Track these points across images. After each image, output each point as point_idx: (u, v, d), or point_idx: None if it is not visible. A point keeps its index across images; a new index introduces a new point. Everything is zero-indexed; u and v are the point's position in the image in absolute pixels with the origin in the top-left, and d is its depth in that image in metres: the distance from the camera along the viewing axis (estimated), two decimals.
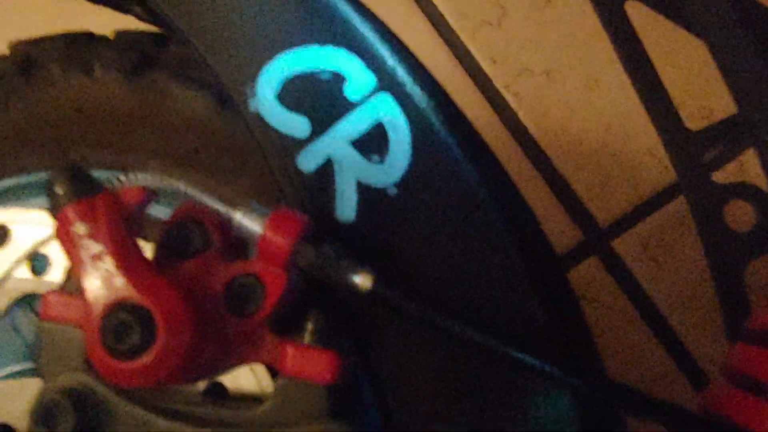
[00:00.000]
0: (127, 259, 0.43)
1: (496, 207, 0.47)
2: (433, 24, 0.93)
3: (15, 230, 0.56)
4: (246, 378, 0.52)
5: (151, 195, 0.46)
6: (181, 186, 0.44)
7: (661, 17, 0.71)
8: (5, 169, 0.58)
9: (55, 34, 0.59)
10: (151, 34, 0.58)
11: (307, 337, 0.45)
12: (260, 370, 0.52)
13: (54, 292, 0.46)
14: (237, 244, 0.47)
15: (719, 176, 0.64)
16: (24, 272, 0.56)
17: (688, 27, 0.67)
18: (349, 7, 0.48)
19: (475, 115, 0.50)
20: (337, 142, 0.47)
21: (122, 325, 0.42)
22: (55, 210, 0.44)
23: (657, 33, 0.71)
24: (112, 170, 0.55)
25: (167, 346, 0.42)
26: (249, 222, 0.44)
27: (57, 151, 0.57)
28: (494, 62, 0.93)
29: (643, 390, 0.44)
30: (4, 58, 0.59)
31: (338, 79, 0.47)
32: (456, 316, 0.44)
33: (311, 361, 0.45)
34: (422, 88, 0.47)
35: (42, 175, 0.57)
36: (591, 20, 0.88)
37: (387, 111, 0.47)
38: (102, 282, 0.43)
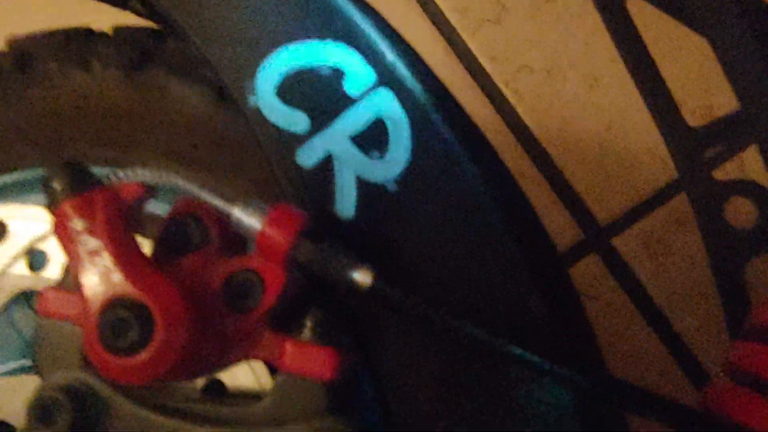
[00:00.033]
0: (125, 255, 0.43)
1: (496, 203, 0.47)
2: (433, 21, 0.93)
3: (13, 226, 0.56)
4: (245, 375, 0.52)
5: (150, 191, 0.45)
6: (180, 182, 0.44)
7: (662, 14, 0.70)
8: (3, 166, 0.58)
9: (53, 30, 0.59)
10: (150, 30, 0.58)
11: (306, 334, 0.45)
12: (259, 366, 0.52)
13: (51, 288, 0.46)
14: (236, 240, 0.47)
15: (720, 173, 0.64)
16: (22, 268, 0.56)
17: (690, 24, 0.67)
18: (349, 2, 0.47)
19: (475, 113, 0.50)
20: (337, 137, 0.47)
21: (120, 321, 0.42)
22: (52, 205, 0.43)
23: (658, 30, 0.71)
24: (110, 167, 0.55)
25: (165, 343, 0.42)
26: (248, 218, 0.44)
27: (55, 147, 0.56)
28: (494, 60, 0.92)
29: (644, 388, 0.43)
30: (1, 54, 0.59)
31: (338, 74, 0.47)
32: (456, 312, 0.43)
33: (310, 358, 0.44)
34: (422, 84, 0.47)
35: (40, 172, 0.57)
36: (592, 17, 0.87)
37: (387, 106, 0.47)
38: (100, 278, 0.42)
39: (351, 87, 0.47)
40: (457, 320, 0.43)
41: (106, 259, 0.42)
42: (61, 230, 0.43)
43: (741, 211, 0.63)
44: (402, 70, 0.47)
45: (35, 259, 0.56)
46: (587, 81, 0.90)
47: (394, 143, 0.47)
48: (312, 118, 0.47)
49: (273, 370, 0.51)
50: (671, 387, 0.89)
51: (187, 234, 0.46)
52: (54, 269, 0.56)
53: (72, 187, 0.43)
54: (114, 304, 0.42)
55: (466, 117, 0.49)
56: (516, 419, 0.47)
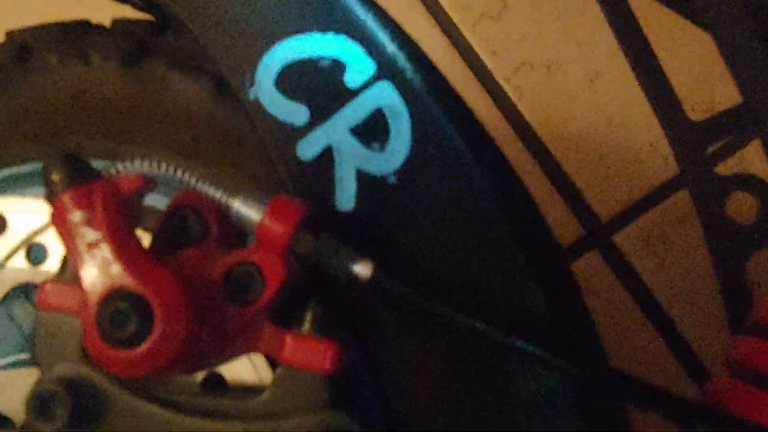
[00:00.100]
0: (124, 247, 0.43)
1: (497, 195, 0.47)
2: (433, 16, 0.92)
3: (12, 219, 0.56)
4: (244, 368, 0.51)
5: (149, 183, 0.45)
6: (179, 174, 0.44)
7: (664, 8, 0.70)
8: (2, 159, 0.57)
9: (51, 23, 0.59)
10: (149, 22, 0.58)
11: (306, 327, 0.45)
12: (259, 360, 0.52)
13: (51, 281, 0.46)
14: (235, 232, 0.47)
15: (722, 168, 0.64)
16: (21, 261, 0.56)
17: (692, 18, 0.66)
18: None
19: (476, 108, 0.49)
20: (337, 130, 0.47)
21: (119, 313, 0.42)
22: (51, 197, 0.43)
23: (660, 24, 0.71)
24: (109, 160, 0.55)
25: (165, 335, 0.41)
26: (247, 210, 0.44)
27: (54, 140, 0.56)
28: (495, 55, 0.92)
29: None
30: (0, 46, 0.59)
31: (338, 66, 0.47)
32: (456, 305, 0.43)
33: (310, 351, 0.44)
34: (422, 76, 0.47)
35: (39, 165, 0.57)
36: (593, 12, 0.87)
37: (387, 98, 0.47)
38: (99, 270, 0.42)
39: (351, 79, 0.47)
40: (457, 312, 0.43)
41: (105, 251, 0.42)
42: (60, 222, 0.43)
43: (743, 207, 0.63)
44: (402, 62, 0.47)
45: (34, 252, 0.56)
46: (588, 76, 0.89)
47: (394, 135, 0.47)
48: (312, 110, 0.47)
49: (273, 363, 0.51)
50: (671, 383, 0.89)
51: (187, 227, 0.46)
52: (53, 263, 0.55)
53: (71, 179, 0.43)
54: (113, 296, 0.42)
55: (467, 110, 0.48)
56: (515, 413, 0.47)
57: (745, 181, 0.64)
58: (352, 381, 0.47)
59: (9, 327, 0.57)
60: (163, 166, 0.44)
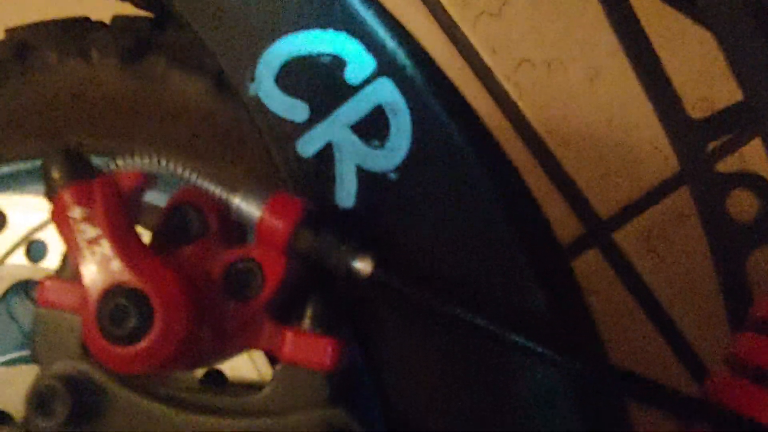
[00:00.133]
0: (124, 243, 0.42)
1: (497, 192, 0.46)
2: (432, 13, 0.92)
3: (11, 216, 0.56)
4: (244, 365, 0.51)
5: (149, 179, 0.45)
6: (179, 170, 0.44)
7: (665, 6, 0.70)
8: (2, 156, 0.57)
9: (51, 20, 0.59)
10: (149, 19, 0.57)
11: (306, 324, 0.45)
12: (259, 356, 0.52)
13: (51, 278, 0.46)
14: (235, 229, 0.47)
15: (723, 166, 0.63)
16: (20, 258, 0.56)
17: (693, 16, 0.66)
18: None
19: (475, 106, 0.49)
20: (337, 126, 0.47)
21: (119, 309, 0.41)
22: (50, 193, 0.43)
23: (661, 22, 0.70)
24: (109, 156, 0.54)
25: (165, 332, 0.41)
26: (248, 206, 0.43)
27: (54, 136, 0.56)
28: (494, 52, 0.92)
29: None
30: (0, 44, 0.59)
31: (338, 63, 0.47)
32: (456, 300, 0.43)
33: (310, 348, 0.44)
34: (423, 73, 0.47)
35: (39, 162, 0.57)
36: (594, 10, 0.87)
37: (387, 95, 0.46)
38: (99, 266, 0.42)
39: (351, 76, 0.47)
40: (458, 309, 0.43)
41: (105, 248, 0.42)
42: (60, 218, 0.43)
43: (743, 204, 0.63)
44: (402, 59, 0.47)
45: (34, 249, 0.56)
46: (588, 74, 0.89)
47: (394, 132, 0.47)
48: (312, 107, 0.47)
49: (273, 359, 0.51)
50: (671, 380, 0.89)
51: (187, 223, 0.46)
52: (53, 259, 0.55)
53: (70, 175, 0.43)
54: (113, 292, 0.42)
55: (467, 106, 0.48)
56: (515, 412, 0.47)
57: (745, 179, 0.64)
58: (352, 378, 0.47)
59: (8, 324, 0.57)
60: (164, 162, 0.44)
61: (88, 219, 0.42)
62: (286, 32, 0.47)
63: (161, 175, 0.45)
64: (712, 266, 0.73)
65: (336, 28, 0.47)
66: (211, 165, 0.52)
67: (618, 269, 0.92)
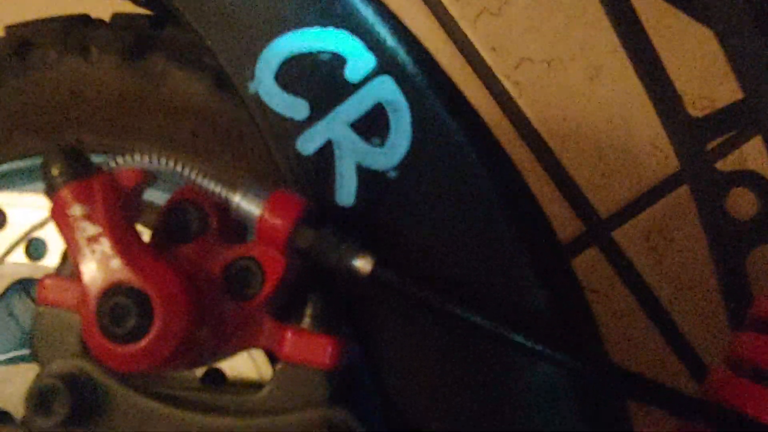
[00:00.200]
0: (124, 242, 0.42)
1: (498, 190, 0.46)
2: (432, 11, 0.92)
3: (11, 214, 0.56)
4: (244, 364, 0.51)
5: (149, 177, 0.45)
6: (179, 168, 0.44)
7: (665, 4, 0.70)
8: (2, 153, 0.57)
9: (51, 17, 0.59)
10: (148, 16, 0.57)
11: (306, 322, 0.45)
12: (259, 355, 0.52)
13: (51, 276, 0.46)
14: (235, 227, 0.47)
15: (722, 164, 0.64)
16: (20, 256, 0.56)
17: (694, 14, 0.66)
18: None
19: (476, 105, 0.49)
20: (337, 124, 0.47)
21: (119, 308, 0.41)
22: (50, 191, 0.43)
23: (661, 20, 0.71)
24: (109, 154, 0.54)
25: (165, 330, 0.41)
26: (248, 204, 0.43)
27: (53, 134, 0.56)
28: (494, 51, 0.92)
29: None
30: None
31: (338, 60, 0.47)
32: (456, 299, 0.43)
33: (311, 347, 0.44)
34: (423, 71, 0.47)
35: (39, 160, 0.57)
36: (593, 8, 0.87)
37: (387, 93, 0.46)
38: (98, 264, 0.42)
39: (351, 74, 0.47)
40: (458, 307, 0.43)
41: (105, 246, 0.42)
42: (60, 216, 0.43)
43: (742, 203, 0.63)
44: (403, 56, 0.47)
45: (34, 247, 0.56)
46: (588, 72, 0.89)
47: (394, 130, 0.46)
48: (312, 104, 0.47)
49: (273, 358, 0.51)
50: (671, 379, 0.89)
51: (187, 221, 0.46)
52: (53, 257, 0.55)
53: (70, 173, 0.43)
54: (113, 290, 0.42)
55: (467, 104, 0.48)
56: (516, 411, 0.47)
57: (745, 178, 0.64)
58: (353, 377, 0.47)
59: (8, 322, 0.57)
60: (163, 160, 0.44)
61: (87, 217, 0.42)
62: (286, 30, 0.47)
63: (161, 173, 0.45)
64: (711, 264, 0.73)
65: (336, 26, 0.47)
66: (210, 163, 0.52)
67: (618, 267, 0.92)
